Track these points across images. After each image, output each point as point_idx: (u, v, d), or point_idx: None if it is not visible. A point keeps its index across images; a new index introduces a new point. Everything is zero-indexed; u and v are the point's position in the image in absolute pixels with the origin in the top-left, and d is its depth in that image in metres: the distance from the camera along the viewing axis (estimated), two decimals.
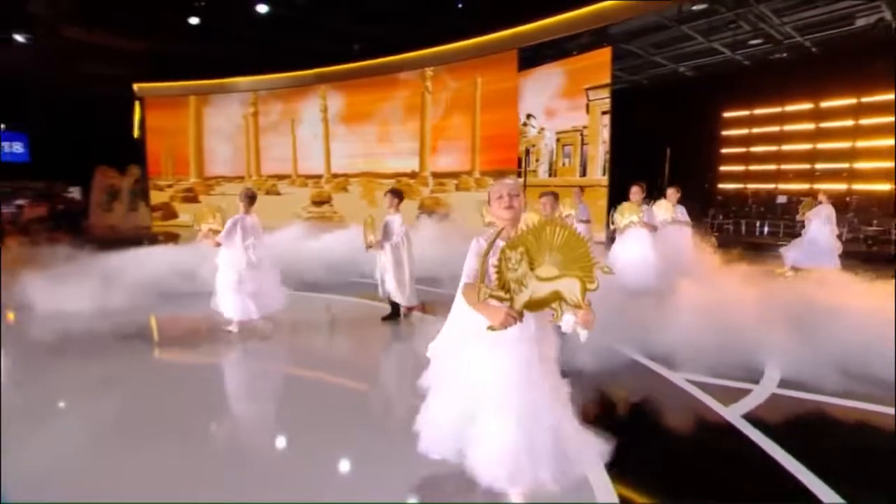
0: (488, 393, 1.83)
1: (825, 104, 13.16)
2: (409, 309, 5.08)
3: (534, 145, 11.99)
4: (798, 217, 7.23)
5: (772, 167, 14.34)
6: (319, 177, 15.23)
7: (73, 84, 15.81)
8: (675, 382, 3.24)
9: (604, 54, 10.48)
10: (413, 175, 13.67)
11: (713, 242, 7.00)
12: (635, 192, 5.56)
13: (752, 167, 14.75)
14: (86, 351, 4.05)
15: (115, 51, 14.38)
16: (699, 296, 3.65)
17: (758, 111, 14.40)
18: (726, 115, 14.95)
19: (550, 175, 11.71)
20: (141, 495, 2.16)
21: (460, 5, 11.59)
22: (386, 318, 5.00)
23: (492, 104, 12.11)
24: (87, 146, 16.51)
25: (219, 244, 4.38)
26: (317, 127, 15.08)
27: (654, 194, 7.49)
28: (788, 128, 13.92)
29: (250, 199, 4.50)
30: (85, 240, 9.26)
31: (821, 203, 6.96)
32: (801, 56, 12.30)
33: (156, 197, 16.52)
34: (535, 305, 1.64)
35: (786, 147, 14.03)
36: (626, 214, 5.49)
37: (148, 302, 5.44)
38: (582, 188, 7.09)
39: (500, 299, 1.65)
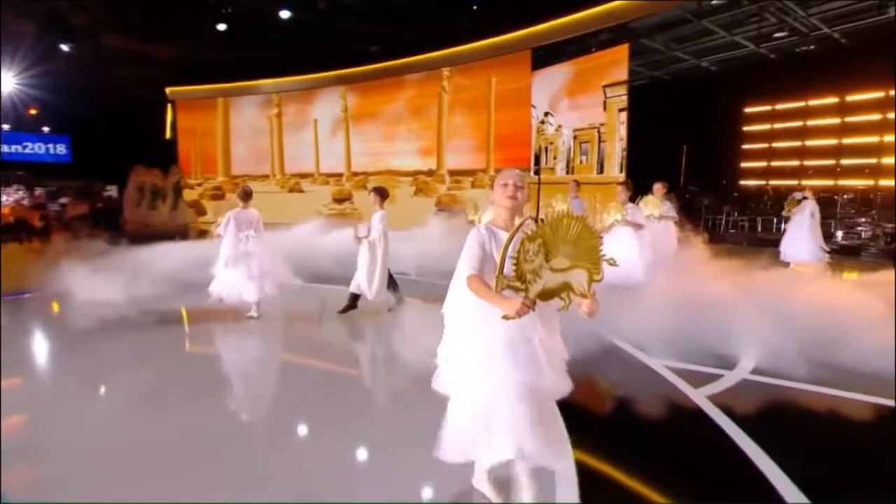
0: (494, 376, 1.83)
1: (851, 98, 12.84)
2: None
3: (551, 142, 12.09)
4: (784, 213, 7.50)
5: (794, 163, 14.06)
6: (340, 175, 15.73)
7: (111, 88, 16.74)
8: (649, 365, 3.52)
9: (621, 51, 10.47)
10: (430, 173, 14.00)
11: (705, 237, 7.18)
12: (620, 191, 5.63)
13: (775, 163, 14.49)
14: (116, 334, 4.55)
15: (149, 57, 15.18)
16: (672, 287, 3.86)
17: (780, 106, 14.13)
18: (747, 110, 14.71)
19: (568, 172, 11.81)
20: (166, 454, 2.55)
21: (475, 7, 11.81)
22: (343, 311, 5.06)
23: (505, 103, 12.33)
24: (123, 147, 17.45)
25: (220, 235, 4.91)
26: (338, 126, 15.58)
27: (672, 191, 7.74)
28: (812, 123, 13.63)
29: (245, 195, 5.02)
30: (121, 235, 9.96)
31: (806, 199, 7.24)
32: (826, 49, 12.04)
33: (186, 195, 17.36)
34: (546, 295, 1.72)
35: (809, 142, 13.74)
36: (612, 213, 5.54)
37: (172, 291, 5.95)
38: (578, 183, 7.02)
39: (517, 290, 1.71)
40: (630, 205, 5.54)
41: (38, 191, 20.32)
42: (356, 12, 12.53)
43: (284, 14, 12.53)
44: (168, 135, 18.09)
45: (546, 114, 12.04)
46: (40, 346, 4.62)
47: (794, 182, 13.89)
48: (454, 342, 2.00)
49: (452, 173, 13.65)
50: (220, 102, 16.85)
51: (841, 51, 12.03)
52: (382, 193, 5.14)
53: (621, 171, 10.68)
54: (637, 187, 6.90)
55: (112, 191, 19.58)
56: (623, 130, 10.57)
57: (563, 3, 10.58)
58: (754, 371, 3.33)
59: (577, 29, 10.71)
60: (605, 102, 10.86)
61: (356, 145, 15.43)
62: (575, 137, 11.63)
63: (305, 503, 2.10)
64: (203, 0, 12.27)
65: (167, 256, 7.05)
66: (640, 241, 5.34)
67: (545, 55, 11.64)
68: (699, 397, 3.01)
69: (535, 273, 1.71)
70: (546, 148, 12.20)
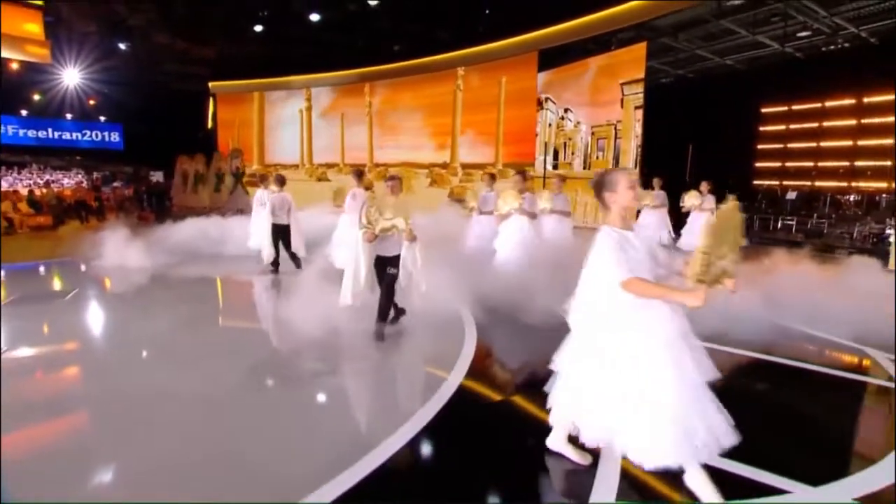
0: (649, 374, 1.88)
1: (868, 99, 12.79)
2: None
3: (570, 138, 12.43)
4: (686, 207, 8.23)
5: (809, 164, 14.07)
6: (364, 166, 16.78)
7: (160, 82, 18.33)
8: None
9: (638, 50, 10.68)
10: (445, 166, 14.84)
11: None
12: (517, 181, 5.87)
13: (789, 163, 14.51)
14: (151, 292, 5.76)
15: (194, 54, 16.59)
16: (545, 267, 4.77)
17: (796, 107, 14.13)
18: (763, 110, 14.75)
19: (585, 167, 12.12)
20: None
21: (487, 11, 12.49)
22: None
23: (514, 101, 12.99)
24: (170, 136, 19.04)
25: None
26: (361, 120, 16.61)
27: (683, 187, 8.53)
28: (828, 124, 13.60)
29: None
30: (167, 216, 11.30)
31: (702, 194, 8.11)
32: (849, 49, 12.01)
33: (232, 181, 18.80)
34: (713, 281, 1.85)
35: (825, 144, 13.72)
36: (508, 201, 5.74)
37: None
38: (563, 178, 7.25)
39: (702, 282, 1.81)
40: (528, 195, 5.84)
41: (96, 175, 22.36)
42: (380, 14, 13.44)
43: (315, 16, 13.56)
44: (210, 125, 19.62)
45: (566, 110, 12.41)
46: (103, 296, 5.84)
47: (806, 183, 13.94)
48: (609, 346, 1.96)
49: (465, 166, 14.43)
50: (255, 96, 18.18)
51: (863, 51, 11.97)
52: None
53: (636, 167, 10.96)
54: (646, 182, 7.88)
55: (158, 176, 21.34)
56: (639, 128, 10.79)
57: (573, 5, 11.01)
58: None
59: (583, 32, 11.20)
60: (622, 100, 11.11)
61: (378, 138, 16.42)
62: (592, 134, 11.97)
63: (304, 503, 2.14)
64: (241, 3, 13.43)
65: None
66: (531, 230, 5.74)
67: (561, 53, 11.98)
68: None
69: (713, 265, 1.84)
70: (565, 144, 12.58)
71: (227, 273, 6.84)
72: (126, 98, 19.69)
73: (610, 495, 2.05)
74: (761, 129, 14.92)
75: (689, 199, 8.23)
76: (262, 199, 6.60)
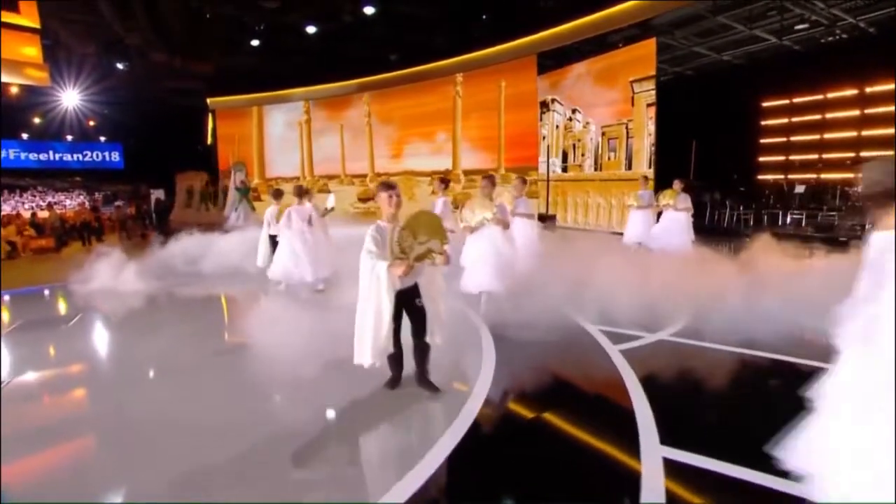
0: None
1: (870, 89, 12.70)
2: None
3: (579, 140, 12.14)
4: (659, 206, 8.02)
5: (813, 156, 13.97)
6: (365, 176, 16.73)
7: (158, 100, 18.36)
8: None
9: (647, 46, 10.38)
10: (447, 173, 14.77)
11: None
12: (485, 185, 4.96)
13: (793, 157, 14.42)
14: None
15: (191, 71, 16.61)
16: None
17: (797, 99, 14.06)
18: (765, 104, 14.69)
19: (596, 169, 11.74)
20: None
21: (485, 17, 12.48)
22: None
23: (514, 105, 12.92)
24: (170, 153, 19.06)
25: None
26: (361, 130, 16.59)
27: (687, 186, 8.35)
28: (830, 115, 13.52)
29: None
30: (169, 234, 11.24)
31: (675, 192, 7.86)
32: (849, 40, 11.96)
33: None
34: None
35: (828, 135, 13.63)
36: (478, 211, 4.79)
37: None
38: (524, 180, 6.25)
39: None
40: (500, 201, 5.12)
41: (96, 195, 22.41)
42: (376, 24, 13.44)
43: (311, 29, 13.56)
44: (209, 141, 19.63)
45: (574, 111, 12.18)
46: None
47: (812, 176, 13.83)
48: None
49: (467, 173, 14.36)
50: (254, 110, 18.19)
51: (862, 41, 11.92)
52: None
53: (650, 167, 10.62)
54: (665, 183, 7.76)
55: (158, 193, 21.33)
56: (651, 126, 10.46)
57: (570, 6, 10.96)
58: None
59: (583, 33, 11.13)
60: (632, 98, 10.75)
61: (378, 148, 16.39)
62: (603, 134, 11.62)
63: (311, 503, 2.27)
64: (238, 18, 13.44)
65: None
66: (505, 241, 4.90)
67: (566, 53, 11.81)
68: None
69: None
70: (574, 145, 12.29)
71: (237, 291, 6.71)
72: (125, 117, 19.78)
73: None
74: (763, 123, 14.88)
75: (663, 199, 7.96)
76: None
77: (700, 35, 11.72)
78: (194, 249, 8.07)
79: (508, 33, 12.13)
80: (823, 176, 13.56)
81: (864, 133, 12.87)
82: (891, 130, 12.30)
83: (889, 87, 12.17)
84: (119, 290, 6.49)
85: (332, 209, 6.66)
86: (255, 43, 14.49)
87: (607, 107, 11.35)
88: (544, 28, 11.39)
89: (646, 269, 5.61)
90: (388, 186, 3.11)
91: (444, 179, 7.41)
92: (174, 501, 2.15)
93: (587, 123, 11.85)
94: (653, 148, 10.37)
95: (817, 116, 13.77)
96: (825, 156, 13.65)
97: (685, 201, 7.87)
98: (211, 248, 8.06)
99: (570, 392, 3.42)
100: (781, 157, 14.62)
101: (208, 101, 18.39)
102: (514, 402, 3.25)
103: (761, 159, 15.00)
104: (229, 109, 18.45)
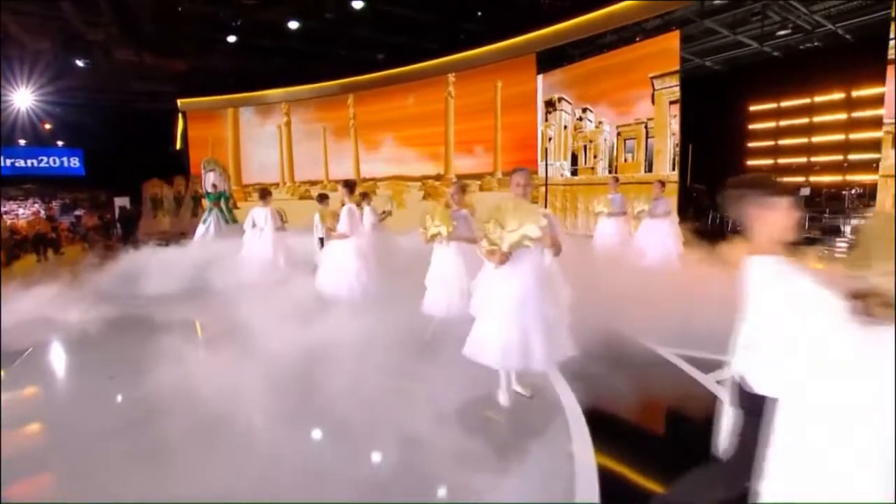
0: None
1: (857, 93, 12.85)
2: None
3: (591, 140, 11.40)
4: (636, 211, 7.33)
5: (802, 160, 14.07)
6: (353, 181, 15.93)
7: (124, 102, 17.11)
8: None
9: (668, 40, 9.69)
10: (438, 177, 14.17)
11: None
12: (454, 192, 4.42)
13: (781, 160, 14.50)
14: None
15: (161, 70, 15.51)
16: None
17: (785, 103, 14.16)
18: (752, 108, 14.76)
19: (610, 171, 10.95)
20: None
21: (480, 13, 11.99)
22: None
23: (512, 106, 12.45)
24: (136, 159, 17.77)
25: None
26: (346, 134, 15.82)
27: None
28: (818, 119, 13.64)
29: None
30: (136, 245, 10.23)
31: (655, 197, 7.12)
32: (819, 49, 12.09)
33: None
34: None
35: (816, 139, 13.75)
36: (437, 222, 4.04)
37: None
38: (463, 189, 4.95)
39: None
40: (463, 212, 4.31)
41: (53, 204, 20.74)
42: (362, 21, 12.78)
43: (293, 24, 12.78)
44: (178, 146, 18.42)
45: (584, 110, 11.47)
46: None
47: (801, 179, 13.92)
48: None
49: (460, 177, 13.80)
50: (230, 112, 17.17)
51: (846, 47, 12.06)
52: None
53: (674, 169, 9.82)
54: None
55: (123, 201, 19.92)
56: (675, 125, 9.72)
57: (566, 6, 10.66)
58: None
59: (582, 32, 10.79)
60: (653, 95, 10.08)
61: (364, 152, 15.65)
62: (619, 134, 10.87)
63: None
64: (214, 13, 12.54)
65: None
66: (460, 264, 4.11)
67: (572, 50, 11.27)
68: None
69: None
70: (585, 147, 11.54)
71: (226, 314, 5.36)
72: (86, 120, 18.36)
73: None
74: (751, 127, 14.95)
75: (640, 204, 7.15)
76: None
77: (685, 40, 11.62)
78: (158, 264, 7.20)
79: (506, 31, 11.66)
80: (812, 179, 13.70)
81: (852, 136, 13.03)
82: (878, 133, 12.49)
83: (873, 90, 12.36)
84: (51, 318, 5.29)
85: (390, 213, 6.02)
86: (231, 39, 13.59)
87: (622, 105, 10.69)
88: (545, 25, 10.97)
89: (685, 280, 5.12)
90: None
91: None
92: (174, 501, 2.00)
93: (600, 123, 11.18)
94: (677, 149, 9.77)
95: (805, 120, 13.90)
96: (814, 159, 13.77)
97: (664, 205, 7.02)
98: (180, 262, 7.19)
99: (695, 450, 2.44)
100: (770, 161, 14.71)
101: (179, 102, 17.27)
102: (635, 471, 2.46)
103: (749, 163, 15.08)
104: (202, 111, 17.36)
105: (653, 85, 10.01)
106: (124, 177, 18.20)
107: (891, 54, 7.76)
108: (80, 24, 12.66)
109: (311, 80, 15.64)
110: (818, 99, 13.46)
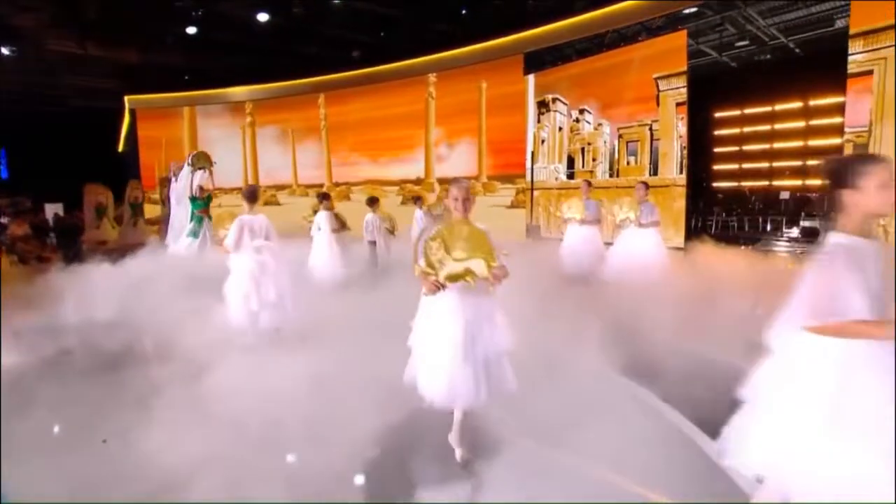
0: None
1: (813, 102, 13.58)
2: None
3: (589, 143, 11.05)
4: (618, 219, 6.64)
5: (765, 164, 14.72)
6: (321, 186, 15.07)
7: (60, 97, 15.35)
8: None
9: (674, 39, 9.38)
10: (418, 181, 13.64)
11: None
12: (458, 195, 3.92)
13: (746, 165, 15.12)
14: None
15: (106, 62, 14.01)
16: None
17: (749, 110, 14.79)
18: (718, 115, 15.31)
19: (612, 175, 10.64)
20: None
21: (464, 11, 11.63)
22: None
23: (499, 107, 12.12)
24: (72, 161, 16.01)
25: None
26: (316, 136, 14.95)
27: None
28: (780, 126, 14.32)
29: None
30: (74, 257, 8.99)
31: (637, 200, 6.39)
32: (785, 57, 12.68)
33: (150, 211, 16.05)
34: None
35: (777, 145, 14.43)
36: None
37: None
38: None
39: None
40: (421, 213, 3.84)
41: None
42: (335, 16, 12.08)
43: (261, 17, 11.87)
44: (123, 147, 16.77)
45: (581, 111, 11.12)
46: None
47: (765, 182, 14.57)
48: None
49: (442, 181, 13.35)
50: (186, 111, 15.80)
51: (799, 59, 12.69)
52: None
53: (681, 173, 9.55)
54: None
55: (56, 208, 17.94)
56: (682, 127, 9.46)
57: (554, 8, 10.52)
58: None
59: (569, 34, 10.66)
60: (657, 96, 9.75)
61: (336, 154, 14.84)
62: (620, 136, 10.50)
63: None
64: (169, 1, 11.40)
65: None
66: None
67: (567, 49, 10.98)
68: None
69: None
70: (583, 149, 11.15)
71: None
72: (9, 116, 16.33)
73: None
74: (716, 133, 15.52)
75: (621, 211, 6.33)
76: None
77: None
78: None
79: (491, 30, 11.33)
80: (775, 183, 14.37)
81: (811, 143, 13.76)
82: (837, 140, 13.26)
83: (830, 100, 13.11)
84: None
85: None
86: (191, 31, 12.44)
87: (623, 106, 10.41)
88: (534, 26, 10.73)
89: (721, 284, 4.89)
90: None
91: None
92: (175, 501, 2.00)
93: (599, 124, 10.89)
94: (684, 151, 9.56)
95: (767, 127, 14.57)
96: (776, 164, 14.45)
97: (652, 213, 6.18)
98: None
99: None
100: (735, 166, 15.31)
101: (127, 99, 15.72)
102: None
103: (715, 168, 15.64)
104: (155, 110, 15.87)
105: (657, 86, 9.77)
106: (56, 181, 16.36)
107: (851, 69, 8.14)
108: (4, 6, 11.16)
109: (278, 77, 14.67)
110: (779, 107, 14.16)
